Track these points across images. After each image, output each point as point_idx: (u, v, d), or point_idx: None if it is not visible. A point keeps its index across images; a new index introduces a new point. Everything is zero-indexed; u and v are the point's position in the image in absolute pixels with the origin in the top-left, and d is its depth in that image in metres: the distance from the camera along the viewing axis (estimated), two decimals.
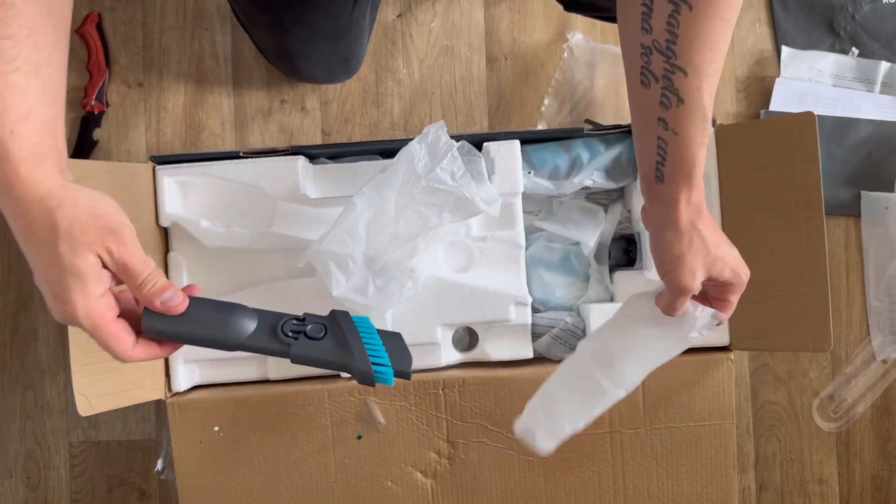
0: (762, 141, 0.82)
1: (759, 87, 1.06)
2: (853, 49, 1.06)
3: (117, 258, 0.49)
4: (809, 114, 0.77)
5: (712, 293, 0.66)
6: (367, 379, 0.58)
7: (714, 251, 0.61)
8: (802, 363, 1.04)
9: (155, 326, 0.52)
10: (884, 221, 1.03)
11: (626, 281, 0.88)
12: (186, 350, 0.84)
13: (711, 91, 0.56)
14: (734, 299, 0.66)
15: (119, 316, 0.51)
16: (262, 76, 1.05)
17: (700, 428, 0.83)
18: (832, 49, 1.06)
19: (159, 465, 0.88)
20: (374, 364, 0.58)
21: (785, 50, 1.05)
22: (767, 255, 0.81)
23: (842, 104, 1.05)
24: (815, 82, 1.05)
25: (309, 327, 0.58)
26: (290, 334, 0.57)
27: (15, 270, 1.04)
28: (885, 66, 1.05)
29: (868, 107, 1.05)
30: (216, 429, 0.82)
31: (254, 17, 0.88)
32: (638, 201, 0.88)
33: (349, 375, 0.61)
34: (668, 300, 0.63)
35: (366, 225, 0.76)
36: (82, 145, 1.03)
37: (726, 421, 0.83)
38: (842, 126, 1.04)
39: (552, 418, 0.68)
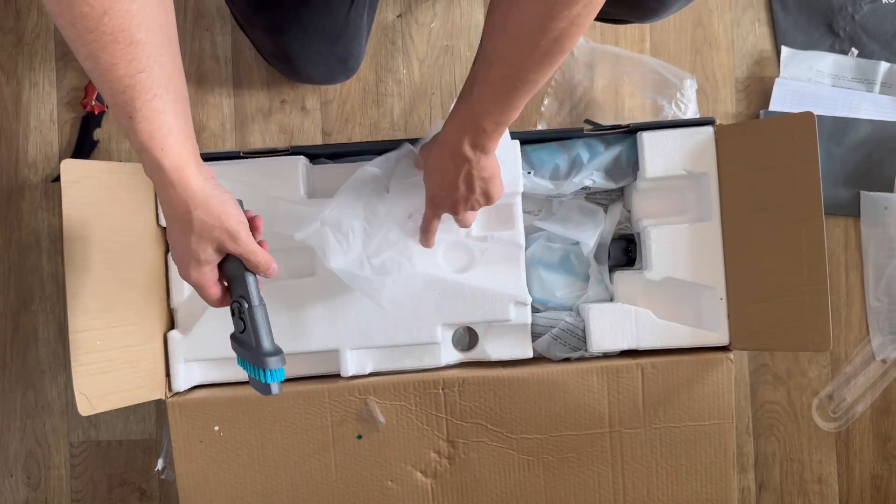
0: (762, 141, 0.82)
1: (758, 88, 1.06)
2: (852, 49, 1.06)
3: (237, 252, 0.66)
4: (809, 114, 0.77)
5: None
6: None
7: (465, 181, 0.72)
8: (802, 363, 1.05)
9: (233, 271, 0.69)
10: (883, 221, 1.03)
11: (626, 281, 0.88)
12: (187, 350, 0.85)
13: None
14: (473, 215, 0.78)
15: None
16: (262, 76, 1.05)
17: (700, 427, 0.83)
18: (831, 49, 1.06)
19: (160, 464, 0.88)
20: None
21: (784, 50, 1.05)
22: (767, 255, 0.81)
23: (841, 104, 1.05)
24: (814, 82, 1.05)
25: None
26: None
27: (15, 271, 1.04)
28: (884, 66, 1.05)
29: (867, 107, 1.05)
30: (216, 428, 0.82)
31: (251, 20, 0.88)
32: (638, 201, 0.88)
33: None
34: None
35: (365, 199, 0.80)
36: (83, 145, 1.04)
37: (726, 420, 0.83)
38: (841, 126, 1.04)
39: None
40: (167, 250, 0.87)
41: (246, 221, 0.67)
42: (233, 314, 0.69)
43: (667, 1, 0.83)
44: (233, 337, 0.71)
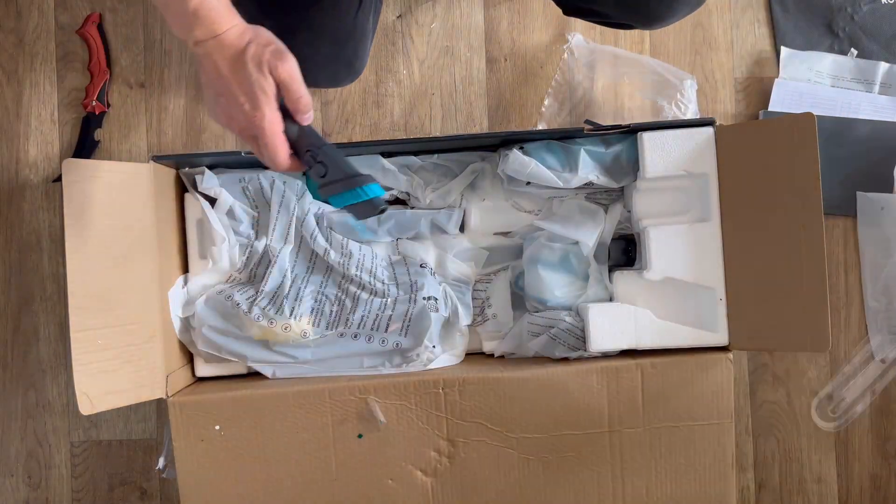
0: (761, 141, 0.82)
1: (758, 88, 1.06)
2: (852, 50, 1.06)
3: (284, 78, 0.63)
4: (809, 114, 0.77)
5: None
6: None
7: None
8: (801, 363, 1.05)
9: (293, 134, 0.67)
10: (879, 221, 1.03)
11: (626, 281, 0.88)
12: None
13: None
14: None
15: None
16: None
17: (699, 427, 0.83)
18: (831, 50, 1.06)
19: (160, 463, 0.88)
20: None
21: (784, 50, 1.06)
22: (766, 254, 0.81)
23: (840, 105, 1.05)
24: (813, 83, 1.06)
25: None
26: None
27: (16, 270, 1.04)
28: (883, 66, 1.05)
29: (867, 107, 1.05)
30: (217, 428, 0.82)
31: (258, 21, 0.87)
32: (638, 201, 0.88)
33: None
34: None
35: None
36: (83, 145, 1.04)
37: (725, 420, 0.83)
38: (841, 126, 1.04)
39: None
40: (166, 250, 0.88)
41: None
42: (310, 167, 0.68)
43: (674, 7, 0.83)
44: (320, 188, 0.70)
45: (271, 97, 0.63)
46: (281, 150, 0.65)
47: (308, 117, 0.67)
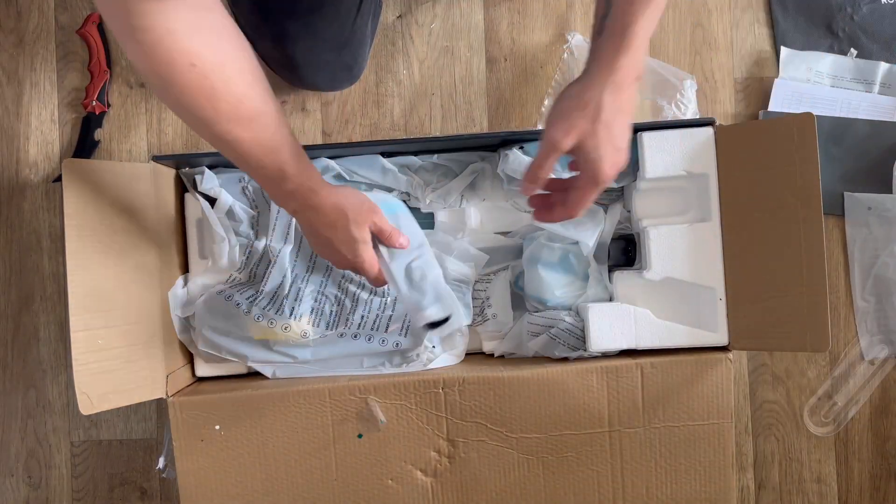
0: (761, 141, 0.82)
1: (757, 88, 1.06)
2: (852, 50, 1.06)
3: (379, 226, 0.77)
4: (808, 115, 0.77)
5: (567, 183, 0.66)
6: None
7: (602, 126, 0.59)
8: (801, 363, 1.05)
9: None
10: (867, 221, 1.03)
11: (626, 281, 0.88)
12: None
13: None
14: (582, 195, 0.65)
15: None
16: None
17: (699, 427, 0.84)
18: (831, 50, 1.06)
19: (160, 463, 0.88)
20: None
21: (784, 51, 1.06)
22: (766, 255, 0.81)
23: (840, 105, 1.05)
24: (813, 83, 1.06)
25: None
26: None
27: (16, 270, 1.04)
28: (883, 66, 1.05)
29: (866, 107, 1.05)
30: (217, 427, 0.82)
31: (259, 28, 0.87)
32: (638, 201, 0.88)
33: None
34: (536, 156, 0.64)
35: None
36: (84, 145, 1.04)
37: (725, 420, 0.83)
38: (840, 126, 1.04)
39: None
40: (166, 250, 0.88)
41: None
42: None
43: None
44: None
45: (369, 244, 0.76)
46: (379, 277, 0.79)
47: (403, 242, 0.80)
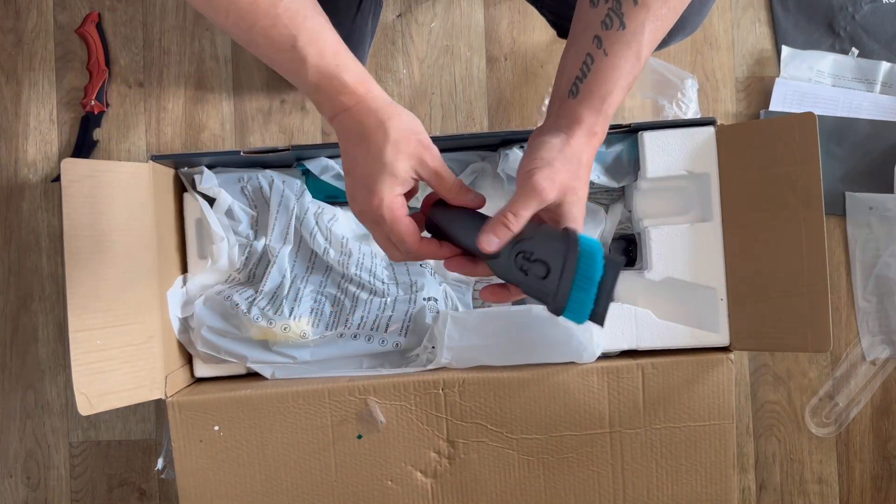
0: (762, 141, 0.82)
1: (758, 87, 1.06)
2: (853, 49, 1.06)
3: (431, 167, 0.58)
4: (810, 114, 0.77)
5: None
6: (557, 312, 0.58)
7: (583, 184, 0.59)
8: (802, 363, 1.05)
9: (439, 220, 0.61)
10: (868, 222, 1.03)
11: (626, 281, 0.88)
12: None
13: (653, 34, 0.57)
14: None
15: None
16: (262, 77, 1.05)
17: (700, 428, 0.83)
18: (832, 49, 1.06)
19: (159, 464, 0.88)
20: (572, 300, 0.57)
21: (785, 50, 1.05)
22: (767, 255, 0.81)
23: (841, 104, 1.05)
24: (814, 82, 1.05)
25: (534, 266, 0.58)
26: (521, 268, 0.58)
27: (15, 270, 1.04)
28: (884, 66, 1.05)
29: (868, 107, 1.05)
30: (216, 428, 0.82)
31: None
32: (639, 201, 0.88)
33: None
34: (512, 203, 0.58)
35: None
36: (82, 145, 1.04)
37: (726, 421, 0.83)
38: (841, 126, 1.04)
39: None
40: (165, 250, 0.87)
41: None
42: (524, 272, 0.58)
43: (673, 31, 0.83)
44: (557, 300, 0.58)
45: (402, 189, 0.58)
46: (417, 247, 0.59)
47: (472, 198, 0.61)
